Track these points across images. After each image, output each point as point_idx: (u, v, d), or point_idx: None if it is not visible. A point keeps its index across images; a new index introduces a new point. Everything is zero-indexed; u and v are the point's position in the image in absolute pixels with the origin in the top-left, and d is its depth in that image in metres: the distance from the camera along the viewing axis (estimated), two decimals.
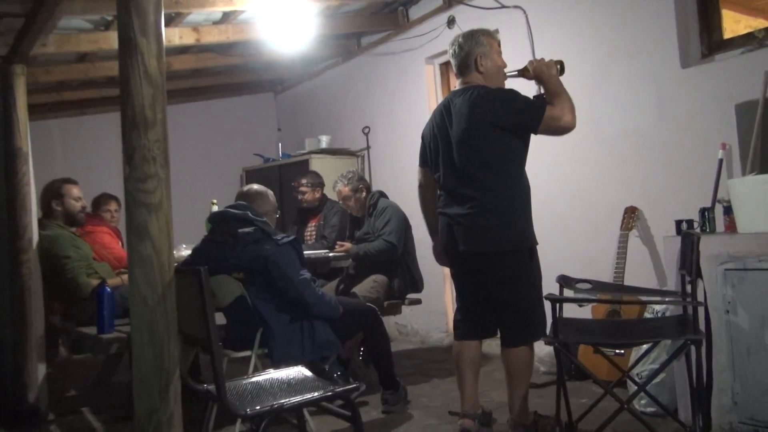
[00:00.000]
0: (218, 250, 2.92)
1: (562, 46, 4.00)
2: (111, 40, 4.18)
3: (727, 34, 3.50)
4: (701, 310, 2.53)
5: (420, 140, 3.10)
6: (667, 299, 2.91)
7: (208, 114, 7.06)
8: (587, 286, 2.84)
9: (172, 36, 4.35)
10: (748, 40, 3.37)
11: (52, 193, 3.90)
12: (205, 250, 2.97)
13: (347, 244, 4.21)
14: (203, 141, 6.98)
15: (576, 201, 4.08)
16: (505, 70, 2.89)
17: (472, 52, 2.81)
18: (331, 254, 3.98)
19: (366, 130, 5.99)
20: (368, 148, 6.00)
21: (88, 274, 3.72)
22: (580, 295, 2.80)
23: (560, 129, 2.70)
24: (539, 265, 2.81)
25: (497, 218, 2.70)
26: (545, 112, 2.67)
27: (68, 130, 6.33)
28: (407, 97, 5.54)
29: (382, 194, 4.37)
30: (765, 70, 3.16)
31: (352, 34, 5.91)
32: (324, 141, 6.06)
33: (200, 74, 6.13)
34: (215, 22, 4.65)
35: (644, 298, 3.27)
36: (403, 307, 4.33)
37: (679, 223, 2.93)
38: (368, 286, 4.05)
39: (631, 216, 3.73)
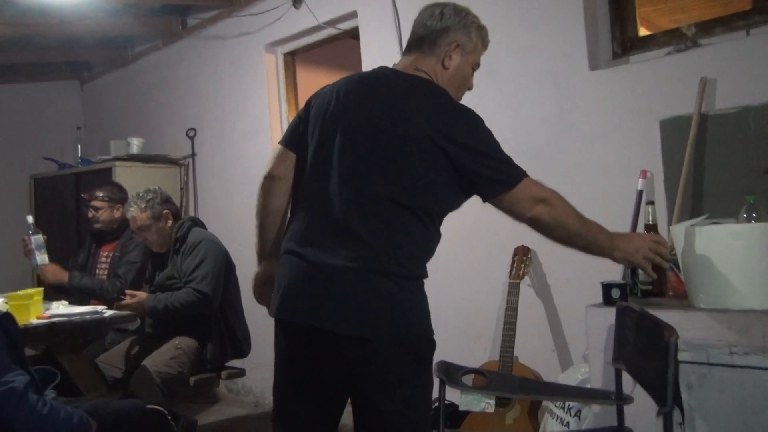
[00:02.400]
0: None
1: None
2: None
3: (651, 29, 2.73)
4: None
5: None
6: (596, 400, 2.00)
7: None
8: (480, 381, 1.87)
9: None
10: (675, 38, 2.61)
11: None
12: None
13: (140, 294, 2.97)
14: None
15: (450, 238, 3.15)
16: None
17: (450, 33, 1.76)
18: (109, 313, 2.72)
19: (191, 133, 4.74)
20: (193, 155, 4.75)
21: None
22: (471, 400, 1.81)
23: (526, 216, 1.67)
24: (431, 370, 1.76)
25: (394, 288, 1.62)
26: (523, 179, 1.65)
27: None
28: (242, 94, 4.38)
29: (195, 223, 3.19)
30: (701, 76, 2.40)
31: (173, 7, 4.63)
32: (135, 145, 4.73)
33: None
34: None
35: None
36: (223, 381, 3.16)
37: (608, 288, 2.03)
38: (167, 357, 2.86)
39: (523, 259, 2.85)
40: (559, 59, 2.82)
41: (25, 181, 5.42)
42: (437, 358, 1.66)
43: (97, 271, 3.62)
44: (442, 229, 1.74)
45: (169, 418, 2.21)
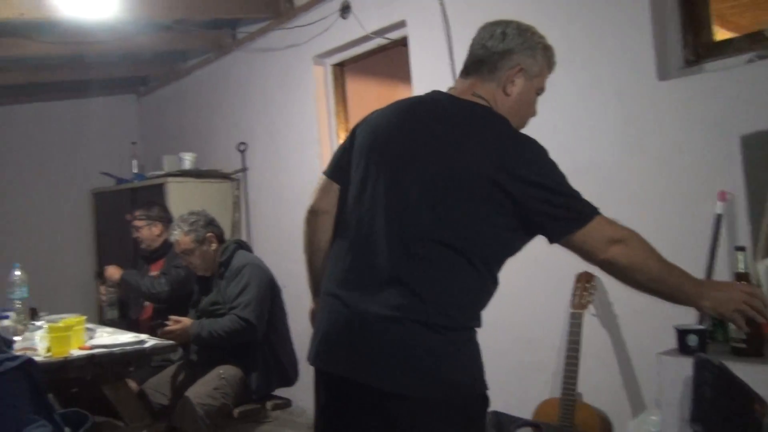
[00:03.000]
0: None
1: None
2: None
3: (727, 27, 2.46)
4: None
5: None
6: None
7: (51, 119, 5.52)
8: None
9: None
10: (756, 42, 2.33)
11: None
12: None
13: (184, 320, 2.90)
14: (43, 154, 5.44)
15: (507, 264, 2.95)
16: None
17: (513, 55, 1.57)
18: (149, 344, 2.63)
19: (242, 147, 4.69)
20: (244, 169, 4.69)
21: None
22: None
23: (599, 258, 1.46)
24: (484, 429, 1.57)
25: (441, 341, 1.44)
26: (595, 217, 1.46)
27: None
28: (291, 106, 4.28)
29: (240, 246, 3.09)
30: None
31: (225, 21, 4.61)
32: (187, 160, 4.71)
33: (26, 66, 4.65)
34: None
35: None
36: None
37: (684, 334, 1.80)
38: (210, 387, 2.77)
39: (586, 287, 2.62)
40: (623, 68, 2.58)
41: (87, 196, 5.51)
42: (494, 395, 1.50)
43: None
44: (510, 260, 1.55)
45: None
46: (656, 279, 1.46)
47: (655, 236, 2.42)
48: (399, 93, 3.93)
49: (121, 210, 5.04)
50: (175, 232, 2.98)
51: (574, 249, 1.46)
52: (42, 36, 3.94)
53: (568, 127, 2.74)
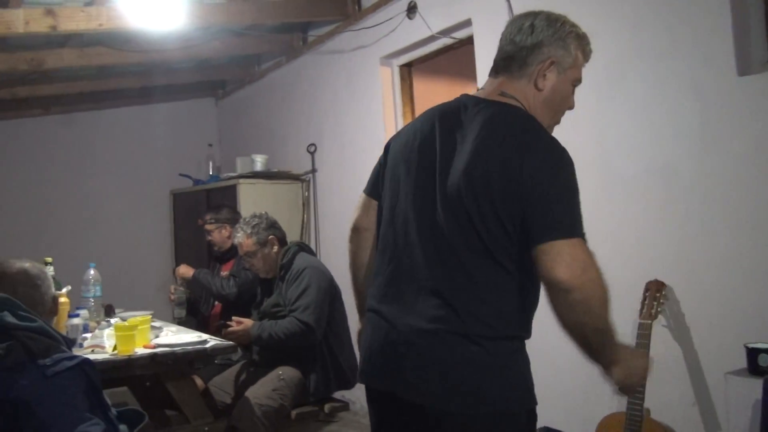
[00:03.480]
0: None
1: None
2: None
3: None
4: None
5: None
6: None
7: (134, 123, 5.78)
8: None
9: (11, 19, 3.10)
10: None
11: None
12: None
13: (246, 321, 2.94)
14: (126, 157, 5.71)
15: None
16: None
17: (543, 48, 1.49)
18: (210, 344, 2.67)
19: (311, 149, 4.74)
20: (314, 170, 4.74)
21: None
22: None
23: (554, 274, 1.31)
24: None
25: (481, 353, 1.38)
26: (578, 237, 1.34)
27: None
28: (359, 107, 4.28)
29: (301, 248, 3.11)
30: None
31: (295, 25, 4.67)
32: (259, 162, 4.80)
33: (109, 74, 4.88)
34: (86, 3, 3.40)
35: None
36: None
37: (754, 353, 1.65)
38: (269, 388, 2.79)
39: (656, 296, 2.47)
40: (700, 63, 2.41)
41: (167, 196, 5.72)
42: (554, 410, 1.42)
43: None
44: None
45: None
46: (598, 329, 1.35)
47: (734, 239, 2.27)
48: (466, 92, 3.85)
49: (196, 210, 5.21)
50: (238, 235, 3.04)
51: (539, 257, 1.33)
52: (121, 45, 4.12)
53: (640, 126, 2.59)
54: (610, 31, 2.63)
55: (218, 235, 3.76)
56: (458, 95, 1.61)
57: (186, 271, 3.69)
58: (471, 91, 1.60)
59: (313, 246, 4.69)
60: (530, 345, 1.47)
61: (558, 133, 1.52)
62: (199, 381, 3.26)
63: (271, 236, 3.05)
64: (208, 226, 3.80)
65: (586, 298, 1.30)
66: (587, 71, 1.60)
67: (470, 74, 3.51)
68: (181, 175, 5.38)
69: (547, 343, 1.44)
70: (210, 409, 3.00)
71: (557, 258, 1.30)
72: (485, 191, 1.37)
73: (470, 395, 1.37)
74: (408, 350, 1.43)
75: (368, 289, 1.62)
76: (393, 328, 1.47)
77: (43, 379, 1.64)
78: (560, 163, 1.38)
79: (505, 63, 1.53)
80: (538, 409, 1.45)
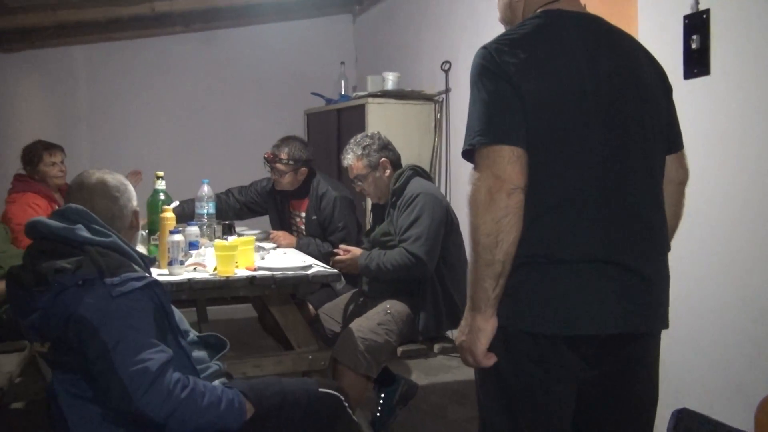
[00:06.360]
0: (26, 296, 1.61)
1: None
2: None
3: None
4: None
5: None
6: None
7: (269, 41, 5.69)
8: None
9: None
10: None
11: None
12: (12, 295, 1.68)
13: (354, 250, 2.75)
14: (261, 75, 5.68)
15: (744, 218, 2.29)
16: None
17: None
18: (312, 271, 2.49)
19: (445, 67, 4.36)
20: (447, 90, 4.38)
21: None
22: None
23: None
24: None
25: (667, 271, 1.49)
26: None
27: (93, 58, 5.31)
28: (497, 21, 3.80)
29: (416, 172, 2.82)
30: None
31: None
32: (390, 80, 4.51)
33: None
34: None
35: None
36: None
37: None
38: (374, 322, 2.60)
39: None
40: None
41: (300, 116, 5.65)
42: (714, 373, 1.21)
43: (299, 225, 3.51)
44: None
45: (346, 404, 1.93)
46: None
47: None
48: (624, 3, 3.27)
49: (328, 130, 5.09)
50: (348, 156, 2.81)
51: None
52: None
53: None
54: None
55: (291, 177, 3.29)
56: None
57: (285, 240, 3.30)
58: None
59: (443, 171, 4.41)
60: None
61: None
62: (311, 307, 3.17)
63: (383, 158, 2.79)
64: (281, 166, 3.26)
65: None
66: None
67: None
68: (313, 93, 5.24)
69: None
70: (319, 336, 2.90)
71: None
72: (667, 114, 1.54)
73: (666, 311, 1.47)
74: (645, 284, 1.40)
75: (550, 242, 1.36)
76: (632, 273, 1.38)
77: (108, 299, 1.53)
78: None
79: None
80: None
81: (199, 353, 1.84)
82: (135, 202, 1.84)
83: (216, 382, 1.77)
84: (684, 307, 2.33)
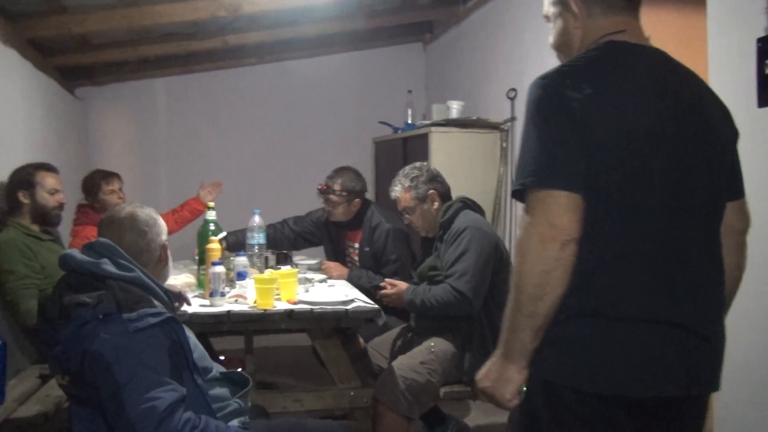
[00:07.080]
0: (50, 328, 1.65)
1: None
2: None
3: None
4: None
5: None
6: None
7: (340, 70, 5.78)
8: None
9: None
10: None
11: (21, 181, 2.94)
12: (40, 326, 1.72)
13: (400, 284, 2.67)
14: (331, 104, 5.76)
15: None
16: None
17: None
18: (351, 306, 2.42)
19: (511, 94, 4.24)
20: (513, 119, 4.25)
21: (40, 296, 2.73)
22: None
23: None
24: None
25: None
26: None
27: (173, 89, 5.55)
28: None
29: (466, 205, 2.72)
30: None
31: None
32: (455, 108, 4.43)
33: (310, 18, 4.85)
34: None
35: None
36: None
37: None
38: (417, 360, 2.51)
39: None
40: None
41: (369, 145, 5.66)
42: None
43: (352, 255, 3.46)
44: None
45: None
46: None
47: None
48: (693, 26, 3.07)
49: (393, 159, 5.05)
50: (396, 189, 2.75)
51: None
52: None
53: None
54: None
55: (345, 209, 3.28)
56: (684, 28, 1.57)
57: (336, 272, 3.27)
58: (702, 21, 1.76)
59: (508, 201, 4.26)
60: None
61: None
62: (361, 340, 3.11)
63: (431, 190, 2.71)
64: (335, 198, 3.25)
65: (518, 252, 1.25)
66: None
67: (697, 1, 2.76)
68: (380, 122, 5.24)
69: None
70: (366, 371, 2.83)
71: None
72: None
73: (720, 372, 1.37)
74: (705, 343, 1.32)
75: (614, 298, 1.26)
76: (688, 332, 1.29)
77: (125, 334, 1.52)
78: None
79: None
80: None
81: (220, 390, 1.81)
82: (165, 237, 1.85)
83: (234, 422, 1.74)
84: (741, 368, 2.11)
